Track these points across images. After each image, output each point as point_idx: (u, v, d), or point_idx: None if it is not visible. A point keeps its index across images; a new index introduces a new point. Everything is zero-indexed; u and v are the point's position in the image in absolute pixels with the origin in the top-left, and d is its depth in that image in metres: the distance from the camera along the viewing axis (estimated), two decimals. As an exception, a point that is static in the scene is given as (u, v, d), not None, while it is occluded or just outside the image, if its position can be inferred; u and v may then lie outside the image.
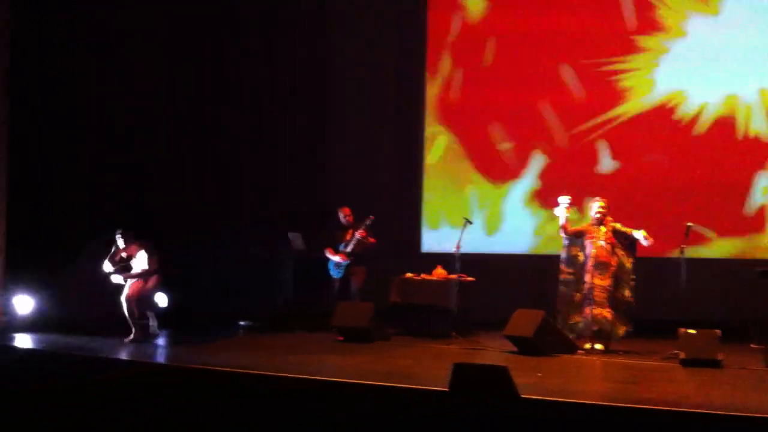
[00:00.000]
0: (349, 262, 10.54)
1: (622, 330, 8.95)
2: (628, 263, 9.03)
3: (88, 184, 10.82)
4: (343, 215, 10.76)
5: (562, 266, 9.25)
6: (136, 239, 9.52)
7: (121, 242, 9.48)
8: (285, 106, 12.70)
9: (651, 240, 8.83)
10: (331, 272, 10.71)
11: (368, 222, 10.43)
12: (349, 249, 10.53)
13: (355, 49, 12.84)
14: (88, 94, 10.89)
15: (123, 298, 9.38)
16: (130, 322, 9.36)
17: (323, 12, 13.05)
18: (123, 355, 8.42)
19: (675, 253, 8.88)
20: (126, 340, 9.25)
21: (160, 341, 9.59)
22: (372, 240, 10.51)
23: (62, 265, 10.06)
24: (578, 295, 9.12)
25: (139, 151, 11.16)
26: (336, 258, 10.58)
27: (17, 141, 9.95)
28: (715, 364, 7.97)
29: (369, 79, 12.79)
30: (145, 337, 9.38)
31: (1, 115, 9.78)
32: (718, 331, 8.13)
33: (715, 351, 8.04)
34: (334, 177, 12.85)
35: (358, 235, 10.46)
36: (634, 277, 9.03)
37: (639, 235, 8.86)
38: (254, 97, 12.41)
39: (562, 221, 9.12)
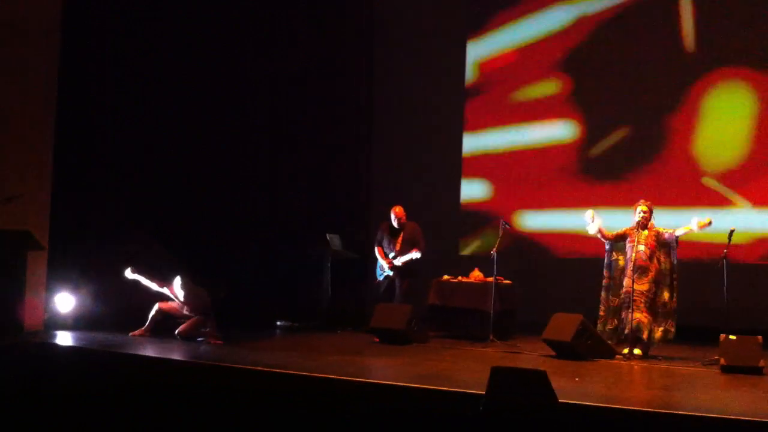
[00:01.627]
0: (392, 272, 10.43)
1: (659, 333, 8.85)
2: (668, 264, 8.93)
3: (129, 183, 10.92)
4: (394, 216, 10.46)
5: (604, 271, 9.20)
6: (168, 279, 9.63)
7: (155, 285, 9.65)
8: (333, 110, 12.81)
9: (705, 221, 8.69)
10: (377, 272, 10.63)
11: (411, 258, 10.30)
12: (397, 262, 10.40)
13: (402, 56, 13.11)
14: (133, 95, 11.00)
15: (158, 306, 9.59)
16: (151, 320, 9.55)
17: (371, 23, 13.29)
18: (161, 354, 8.47)
19: (718, 258, 8.75)
20: (132, 333, 9.43)
21: (199, 340, 9.66)
22: (407, 261, 10.40)
23: (103, 263, 10.18)
24: (616, 300, 9.06)
25: (182, 150, 11.24)
26: (383, 262, 10.49)
27: (61, 143, 10.07)
28: (757, 371, 7.86)
29: (415, 87, 13.03)
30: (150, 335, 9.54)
31: (48, 119, 9.90)
32: (760, 338, 8.02)
33: (757, 358, 7.92)
34: (377, 179, 13.00)
35: (399, 262, 10.34)
36: (676, 276, 8.89)
37: (694, 223, 8.72)
38: (302, 100, 12.54)
39: (593, 231, 9.08)
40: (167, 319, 9.59)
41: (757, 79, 11.04)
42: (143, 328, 9.52)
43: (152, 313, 9.57)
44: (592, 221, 9.03)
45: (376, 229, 10.86)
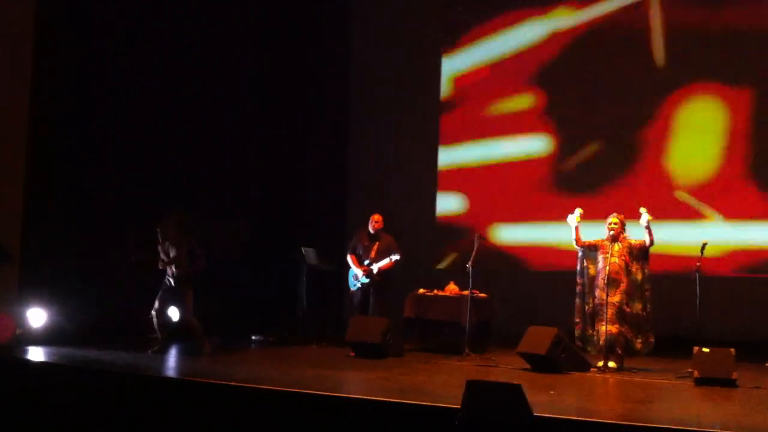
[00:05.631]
0: (368, 280, 10.34)
1: (638, 344, 8.91)
2: (640, 275, 8.97)
3: (103, 196, 10.81)
4: (372, 221, 10.42)
5: (577, 278, 9.25)
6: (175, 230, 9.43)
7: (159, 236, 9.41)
8: (310, 120, 12.83)
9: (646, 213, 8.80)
10: (350, 282, 10.51)
11: (391, 260, 10.15)
12: (374, 268, 10.27)
13: (377, 71, 13.24)
14: (105, 109, 10.90)
15: (155, 311, 9.40)
16: (159, 334, 9.35)
17: (348, 24, 13.37)
18: (134, 369, 8.40)
19: (691, 271, 8.83)
20: (150, 351, 9.23)
21: (173, 355, 9.59)
22: (385, 266, 10.28)
23: (76, 277, 10.08)
24: (588, 307, 9.10)
25: (156, 161, 11.12)
26: (358, 270, 10.38)
27: (33, 155, 9.97)
28: (730, 383, 7.91)
29: (390, 102, 13.13)
30: (166, 349, 9.37)
31: (20, 131, 9.79)
32: (733, 350, 8.07)
33: (730, 370, 7.97)
34: (353, 193, 13.04)
35: (375, 268, 10.22)
36: (648, 287, 8.94)
37: (644, 219, 8.80)
38: (280, 109, 12.54)
39: (572, 232, 9.12)
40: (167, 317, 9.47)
41: (728, 94, 11.18)
42: (159, 346, 9.31)
43: (155, 322, 9.31)
44: (576, 218, 9.06)
45: (350, 239, 10.83)
